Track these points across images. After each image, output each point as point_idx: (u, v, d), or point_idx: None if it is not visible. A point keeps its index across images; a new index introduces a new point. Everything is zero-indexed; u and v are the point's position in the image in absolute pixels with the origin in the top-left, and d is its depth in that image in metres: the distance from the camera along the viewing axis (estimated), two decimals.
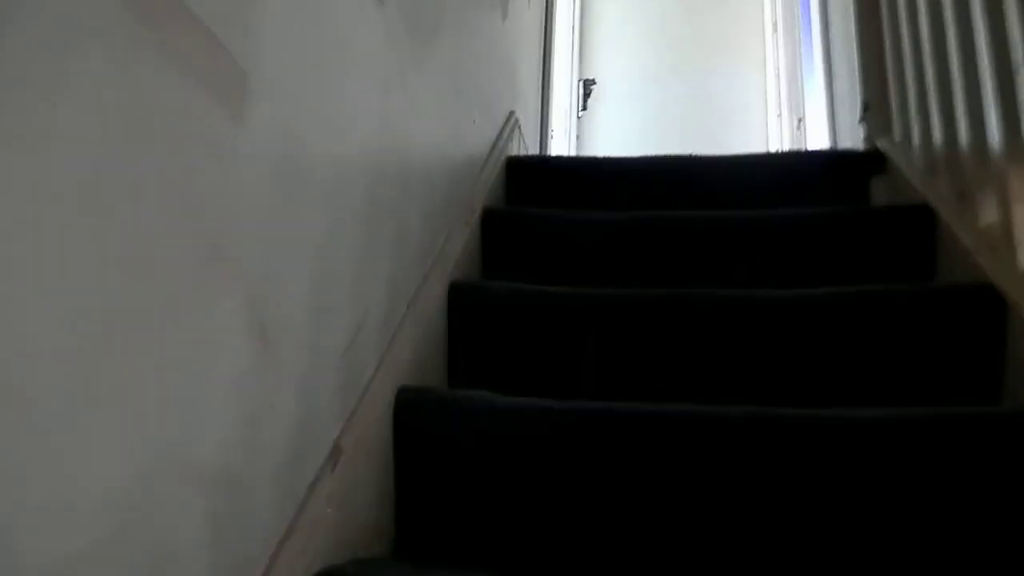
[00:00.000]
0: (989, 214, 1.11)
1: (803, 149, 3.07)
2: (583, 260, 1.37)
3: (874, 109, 1.62)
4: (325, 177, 0.79)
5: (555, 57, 2.64)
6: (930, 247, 1.28)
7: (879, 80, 1.62)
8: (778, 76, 3.52)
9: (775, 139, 3.51)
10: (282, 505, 0.69)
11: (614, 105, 3.92)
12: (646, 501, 0.86)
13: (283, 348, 0.69)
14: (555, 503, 0.89)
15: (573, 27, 3.60)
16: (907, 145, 1.47)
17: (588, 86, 3.66)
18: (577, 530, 0.88)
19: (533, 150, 2.22)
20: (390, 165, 1.01)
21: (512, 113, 1.90)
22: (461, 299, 1.21)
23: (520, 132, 1.95)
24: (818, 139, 2.88)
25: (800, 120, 3.22)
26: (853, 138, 1.77)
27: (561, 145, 3.22)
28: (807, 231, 1.33)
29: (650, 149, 3.80)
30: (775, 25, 3.61)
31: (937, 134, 1.30)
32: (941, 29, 1.27)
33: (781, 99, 3.46)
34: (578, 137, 3.58)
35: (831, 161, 1.57)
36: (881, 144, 1.55)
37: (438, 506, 0.93)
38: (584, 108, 3.67)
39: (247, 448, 0.62)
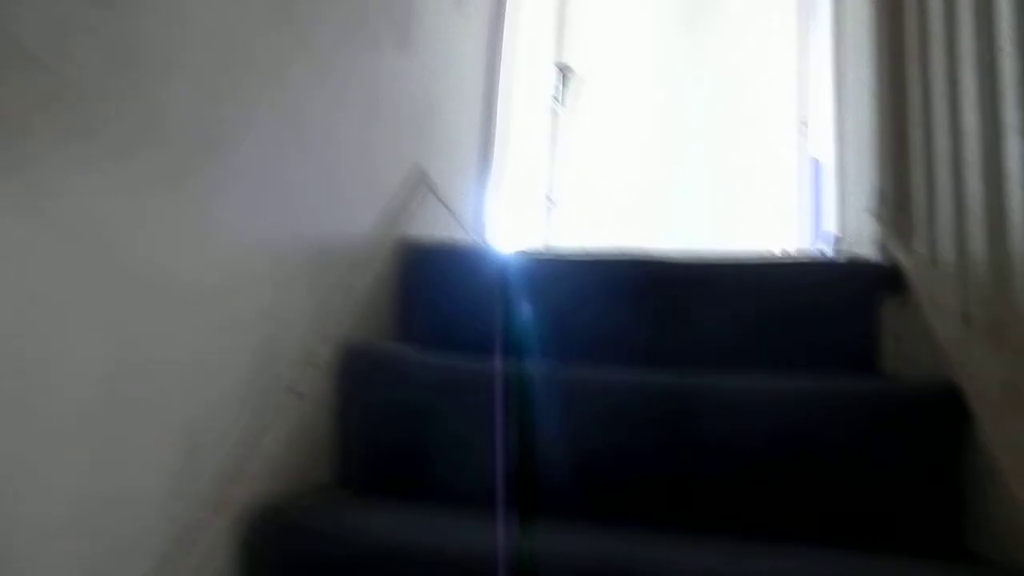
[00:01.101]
0: None
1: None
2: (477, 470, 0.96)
3: (890, 201, 1.18)
4: None
5: (517, 43, 2.14)
6: (949, 466, 0.86)
7: (900, 160, 1.17)
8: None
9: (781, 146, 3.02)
10: None
11: (604, 101, 3.45)
12: None
13: None
14: None
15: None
16: (934, 267, 1.03)
17: (566, 73, 3.16)
18: None
19: (461, 213, 1.74)
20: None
21: (417, 169, 1.45)
22: None
23: (433, 194, 1.50)
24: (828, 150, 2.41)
25: (804, 124, 2.73)
26: (863, 221, 1.33)
27: (533, 148, 2.76)
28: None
29: (644, 161, 3.38)
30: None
31: (980, 267, 0.87)
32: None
33: (786, 101, 2.96)
34: (553, 138, 3.11)
35: (826, 280, 1.13)
36: (900, 255, 1.12)
37: None
38: (562, 102, 3.18)
39: None
